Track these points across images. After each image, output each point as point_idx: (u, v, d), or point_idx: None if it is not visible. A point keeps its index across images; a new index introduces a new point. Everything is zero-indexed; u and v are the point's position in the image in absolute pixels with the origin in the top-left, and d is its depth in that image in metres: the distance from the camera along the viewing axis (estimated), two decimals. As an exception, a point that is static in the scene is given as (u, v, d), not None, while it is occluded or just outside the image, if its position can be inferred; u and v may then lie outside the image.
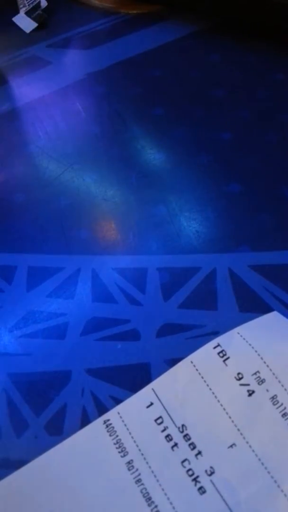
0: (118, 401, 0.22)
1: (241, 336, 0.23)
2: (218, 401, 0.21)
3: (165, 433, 0.21)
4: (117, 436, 0.21)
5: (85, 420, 0.22)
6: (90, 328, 0.25)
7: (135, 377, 0.23)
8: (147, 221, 0.29)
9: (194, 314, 0.25)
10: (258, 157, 0.31)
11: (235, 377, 0.22)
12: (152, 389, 0.22)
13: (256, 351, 0.22)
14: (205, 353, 0.22)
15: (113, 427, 0.21)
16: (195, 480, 0.20)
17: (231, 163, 0.31)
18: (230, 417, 0.21)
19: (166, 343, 0.24)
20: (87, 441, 0.21)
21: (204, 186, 0.30)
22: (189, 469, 0.20)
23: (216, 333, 0.24)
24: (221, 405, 0.21)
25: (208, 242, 0.27)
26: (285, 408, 0.21)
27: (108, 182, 0.31)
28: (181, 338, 0.24)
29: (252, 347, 0.22)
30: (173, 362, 0.23)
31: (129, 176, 0.31)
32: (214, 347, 0.23)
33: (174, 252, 0.27)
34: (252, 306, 0.25)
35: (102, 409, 0.22)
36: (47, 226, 0.29)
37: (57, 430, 0.22)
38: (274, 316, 0.24)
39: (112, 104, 0.36)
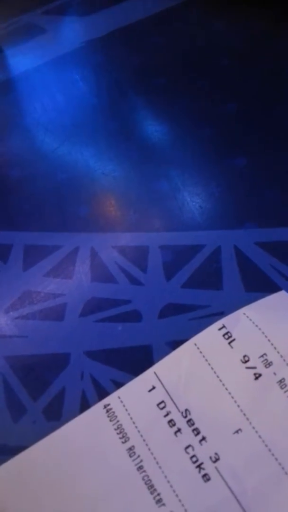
0: (118, 384, 0.22)
1: (247, 317, 0.22)
2: (223, 385, 0.20)
3: (168, 418, 0.20)
4: (117, 421, 0.20)
5: (85, 405, 0.21)
6: (89, 309, 0.24)
7: (137, 360, 0.22)
8: (149, 197, 0.27)
9: (197, 294, 0.24)
10: (265, 130, 0.29)
11: (241, 360, 0.21)
12: (154, 372, 0.21)
13: (263, 333, 0.21)
14: (210, 335, 0.21)
15: (113, 412, 0.21)
16: (199, 467, 0.19)
17: (237, 136, 0.29)
18: (235, 402, 0.20)
19: (169, 324, 0.23)
20: (87, 427, 0.21)
21: (208, 159, 0.28)
22: (193, 456, 0.19)
23: (221, 314, 0.23)
24: (226, 389, 0.20)
25: (212, 219, 0.26)
26: (293, 392, 0.20)
27: (107, 156, 0.29)
28: (184, 319, 0.23)
29: (259, 329, 0.21)
30: (175, 344, 0.22)
31: (129, 149, 0.29)
32: (219, 329, 0.22)
33: (176, 229, 0.26)
34: (259, 285, 0.23)
35: (102, 393, 0.21)
36: (44, 203, 0.28)
37: (56, 415, 0.21)
38: (281, 296, 0.23)
39: (111, 74, 0.34)
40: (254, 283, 0.24)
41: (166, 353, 0.22)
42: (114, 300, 0.24)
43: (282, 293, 0.23)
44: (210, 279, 0.24)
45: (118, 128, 0.31)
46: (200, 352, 0.21)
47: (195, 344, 0.21)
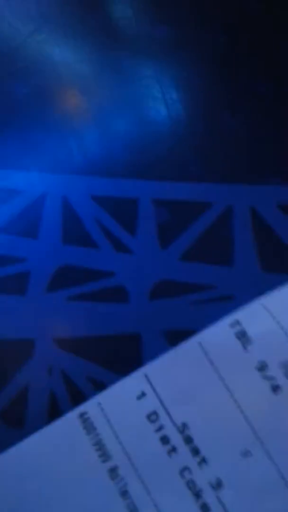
0: (97, 384, 0.19)
1: (267, 311, 0.19)
2: (232, 396, 0.18)
3: (161, 433, 0.18)
4: (97, 435, 0.18)
5: (54, 408, 0.19)
6: (60, 281, 0.20)
7: (121, 353, 0.19)
8: (140, 129, 0.22)
9: (201, 269, 0.20)
10: None
11: (257, 367, 0.18)
12: (145, 375, 0.18)
13: (287, 333, 0.18)
14: (219, 333, 0.19)
15: (92, 423, 0.18)
16: (197, 494, 0.17)
17: None
18: (246, 418, 0.18)
19: (164, 307, 0.20)
20: (57, 440, 0.18)
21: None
22: (190, 481, 0.17)
23: (229, 298, 0.20)
24: (235, 401, 0.18)
25: (223, 169, 0.22)
26: None
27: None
28: (183, 302, 0.20)
29: (282, 327, 0.18)
30: (172, 334, 0.19)
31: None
32: (231, 325, 0.18)
33: (175, 178, 0.21)
34: (280, 263, 0.20)
35: (76, 394, 0.19)
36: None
37: (17, 421, 0.19)
38: (310, 281, 0.20)
39: None
40: (273, 260, 0.20)
41: (160, 345, 0.19)
42: (92, 271, 0.20)
43: (310, 277, 0.20)
44: (217, 251, 0.21)
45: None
46: (206, 354, 0.18)
47: (200, 344, 0.18)
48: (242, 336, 0.19)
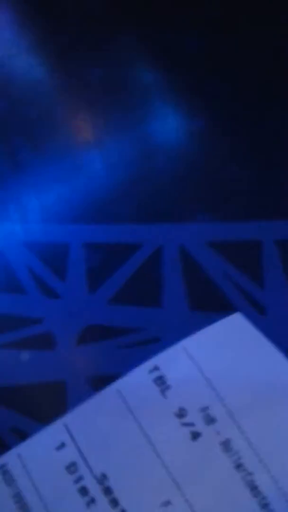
0: (22, 434, 0.19)
1: (188, 354, 0.19)
2: (151, 444, 0.18)
3: (79, 484, 0.18)
4: (16, 487, 0.18)
5: None
6: None
7: (46, 401, 0.19)
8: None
9: (129, 312, 0.20)
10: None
11: (176, 414, 0.18)
12: (65, 424, 0.18)
13: (207, 378, 0.18)
14: (137, 380, 0.19)
15: (11, 475, 0.18)
16: None
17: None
18: (165, 467, 0.18)
19: (90, 352, 0.20)
20: None
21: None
22: None
23: (155, 341, 0.20)
24: (155, 449, 0.18)
25: (153, 209, 0.22)
26: (239, 457, 0.17)
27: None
28: (111, 346, 0.20)
29: (202, 373, 0.18)
30: (97, 380, 0.19)
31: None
32: (150, 371, 0.18)
33: (106, 221, 0.22)
34: (207, 302, 0.20)
35: None
36: None
37: None
38: (236, 320, 0.20)
39: None
40: (201, 298, 0.20)
41: (84, 391, 0.19)
42: (18, 319, 0.21)
43: (236, 316, 0.19)
44: (146, 292, 0.21)
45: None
46: (124, 401, 0.18)
47: (119, 391, 0.18)
48: (161, 382, 0.18)
